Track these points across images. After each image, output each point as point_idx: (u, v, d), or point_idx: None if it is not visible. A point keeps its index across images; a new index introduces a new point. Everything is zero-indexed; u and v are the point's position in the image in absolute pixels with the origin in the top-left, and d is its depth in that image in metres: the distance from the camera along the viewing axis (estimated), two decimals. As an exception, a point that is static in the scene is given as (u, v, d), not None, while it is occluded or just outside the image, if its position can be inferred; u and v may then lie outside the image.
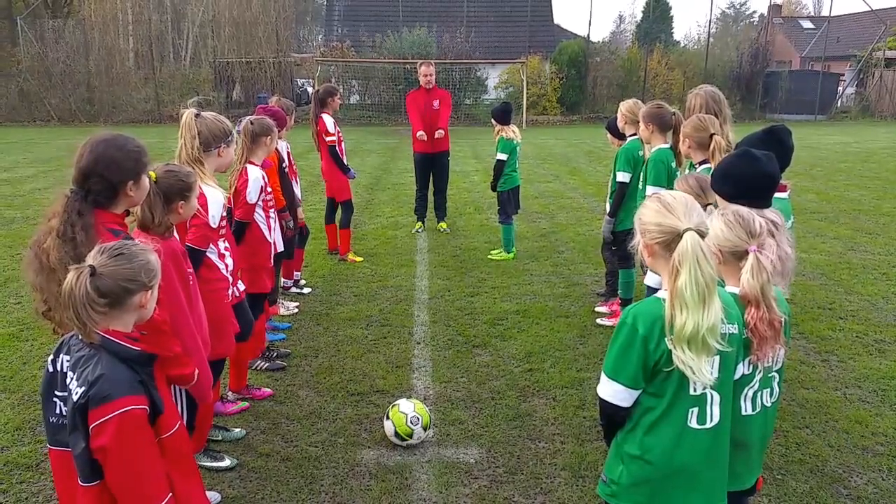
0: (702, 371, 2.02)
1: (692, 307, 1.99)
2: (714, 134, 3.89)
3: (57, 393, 2.02)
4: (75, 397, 1.90)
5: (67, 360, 1.98)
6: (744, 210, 2.38)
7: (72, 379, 1.93)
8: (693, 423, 2.13)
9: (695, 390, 2.10)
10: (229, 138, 3.29)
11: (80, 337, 1.98)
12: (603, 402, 2.19)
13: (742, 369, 2.25)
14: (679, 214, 2.07)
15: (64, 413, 1.99)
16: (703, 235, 2.06)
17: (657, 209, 2.13)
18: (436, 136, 8.25)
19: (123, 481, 1.91)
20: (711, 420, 2.14)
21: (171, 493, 1.99)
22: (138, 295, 2.01)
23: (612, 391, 2.15)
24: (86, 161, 2.43)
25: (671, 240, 2.07)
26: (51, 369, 2.05)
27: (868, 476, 3.58)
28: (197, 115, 3.22)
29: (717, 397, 2.13)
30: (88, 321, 1.89)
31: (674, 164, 4.77)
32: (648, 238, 2.15)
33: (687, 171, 4.25)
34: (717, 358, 2.09)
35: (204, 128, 3.23)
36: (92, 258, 1.96)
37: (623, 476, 2.21)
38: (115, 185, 2.47)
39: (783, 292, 2.46)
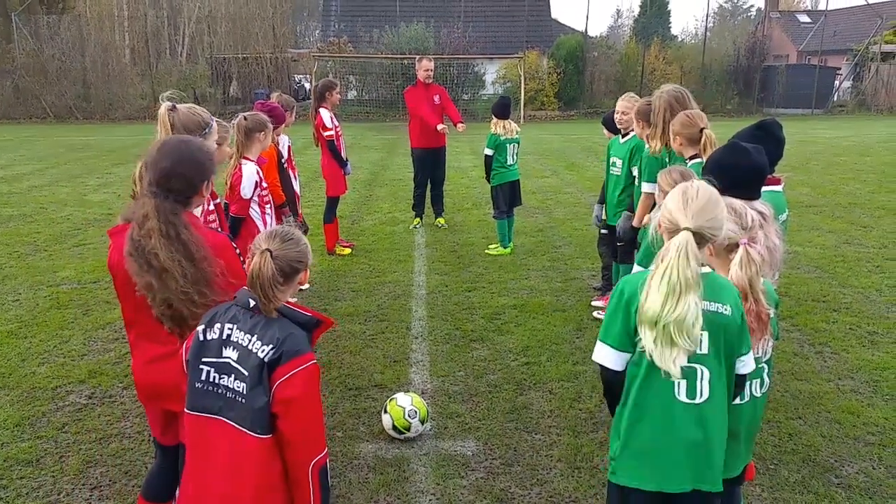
0: (666, 360, 2.09)
1: (658, 294, 2.07)
2: (704, 128, 3.93)
3: (206, 360, 2.18)
4: (262, 354, 2.08)
5: (231, 328, 2.16)
6: (737, 203, 2.43)
7: (251, 341, 2.11)
8: (682, 397, 2.18)
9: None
10: (205, 130, 3.27)
11: (244, 307, 2.16)
12: (599, 368, 2.31)
13: None
14: (690, 212, 2.13)
15: (211, 379, 2.16)
16: (703, 238, 2.12)
17: (678, 199, 2.19)
18: (439, 129, 8.25)
19: (304, 427, 2.11)
20: (701, 395, 2.18)
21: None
22: (301, 273, 2.22)
23: (601, 353, 2.27)
24: (167, 162, 2.47)
25: (673, 230, 2.16)
26: (201, 339, 2.20)
27: (859, 465, 3.63)
28: (171, 109, 3.21)
29: (706, 373, 2.17)
30: (273, 298, 2.12)
31: (667, 160, 4.80)
32: (661, 219, 2.25)
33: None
34: (705, 334, 2.15)
35: (177, 121, 3.22)
36: (266, 242, 2.15)
37: (618, 450, 2.29)
38: (195, 184, 2.54)
39: (772, 283, 2.51)
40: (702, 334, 2.13)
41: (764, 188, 2.95)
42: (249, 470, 2.11)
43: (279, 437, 2.10)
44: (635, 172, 5.44)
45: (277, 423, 2.09)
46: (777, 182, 3.31)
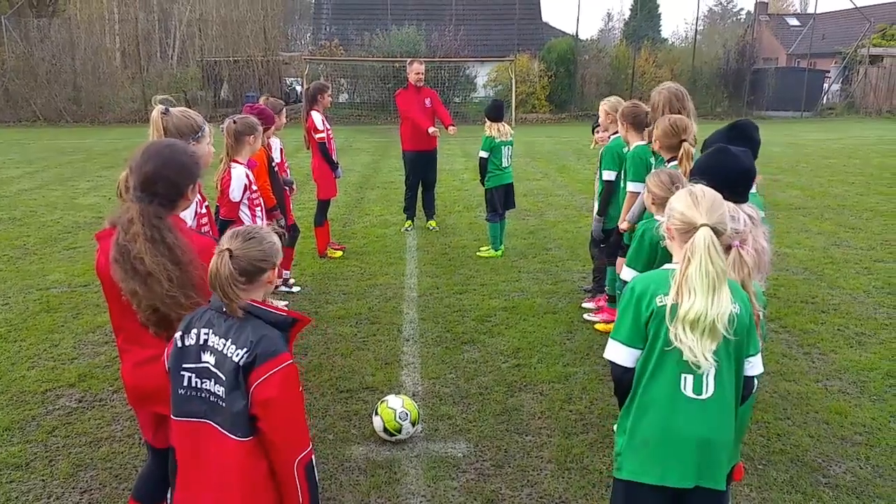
0: (702, 353, 2.13)
1: (700, 293, 2.12)
2: (684, 140, 3.98)
3: (186, 366, 2.17)
4: (237, 358, 2.08)
5: (206, 332, 2.15)
6: (730, 206, 2.47)
7: (226, 345, 2.11)
8: (688, 392, 2.21)
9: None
10: (198, 134, 3.29)
11: (218, 311, 2.16)
12: (610, 365, 2.36)
13: None
14: (702, 210, 2.22)
15: (194, 384, 2.16)
16: (718, 233, 2.20)
17: (686, 200, 2.27)
18: (430, 132, 8.27)
19: (286, 427, 2.10)
20: (707, 391, 2.21)
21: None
22: (268, 273, 2.20)
23: (612, 350, 2.34)
24: (152, 166, 2.47)
25: (688, 230, 2.22)
26: (179, 345, 2.20)
27: (846, 465, 3.66)
28: (164, 112, 3.22)
29: (712, 368, 2.21)
30: (234, 297, 2.10)
31: (652, 160, 4.87)
32: (671, 222, 2.30)
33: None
34: None
35: (171, 124, 3.22)
36: (227, 242, 2.14)
37: (622, 446, 2.32)
38: (181, 188, 2.54)
39: (760, 285, 2.54)
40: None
41: None
42: (235, 472, 2.11)
43: (262, 439, 2.10)
44: (605, 176, 5.56)
45: (258, 424, 2.09)
46: None
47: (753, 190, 3.36)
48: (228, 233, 2.20)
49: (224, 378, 2.10)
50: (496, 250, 7.67)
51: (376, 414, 3.90)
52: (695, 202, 2.24)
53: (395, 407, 3.86)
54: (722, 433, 2.24)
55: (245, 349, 2.08)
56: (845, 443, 3.87)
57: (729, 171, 2.78)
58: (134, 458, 3.74)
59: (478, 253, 7.71)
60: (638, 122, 5.04)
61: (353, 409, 4.27)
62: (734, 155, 2.84)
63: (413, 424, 3.87)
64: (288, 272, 6.52)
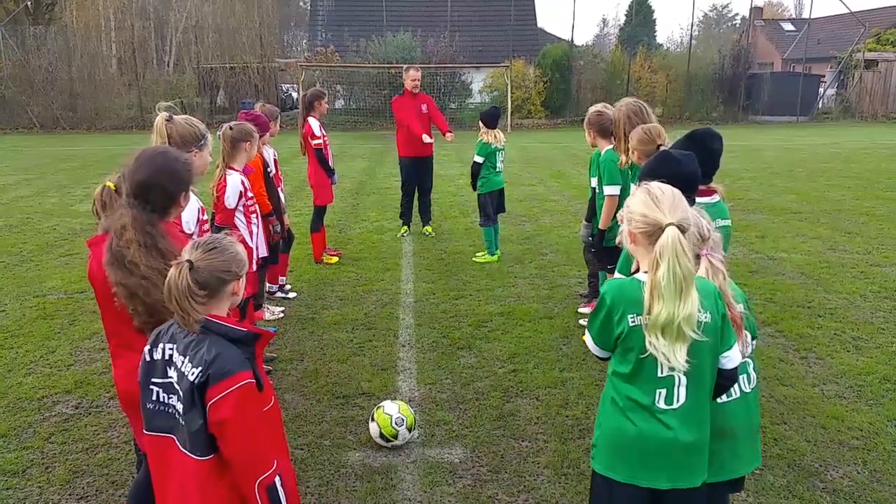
0: (675, 357, 2.11)
1: (668, 298, 2.07)
2: (661, 145, 3.98)
3: (154, 380, 2.14)
4: (192, 377, 2.02)
5: (171, 347, 2.10)
6: (692, 212, 2.45)
7: (183, 363, 2.05)
8: (661, 404, 2.20)
9: (661, 372, 2.18)
10: (202, 142, 3.29)
11: (180, 325, 2.11)
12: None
13: None
14: (665, 209, 2.14)
15: (161, 399, 2.12)
16: (684, 230, 2.13)
17: (645, 200, 2.19)
18: (424, 140, 8.29)
19: (243, 448, 2.05)
20: (678, 401, 2.20)
21: (276, 461, 2.14)
22: (231, 284, 2.14)
23: (588, 339, 2.40)
24: (145, 173, 2.49)
25: (653, 231, 2.14)
26: (147, 359, 2.16)
27: (843, 469, 3.66)
28: (168, 120, 3.23)
29: (683, 380, 2.19)
30: (191, 310, 2.04)
31: (630, 171, 5.00)
32: (633, 226, 2.22)
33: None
34: (683, 345, 2.16)
35: (174, 132, 3.23)
36: (188, 253, 2.08)
37: (598, 439, 2.35)
38: (174, 195, 2.56)
39: None
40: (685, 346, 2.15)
41: (698, 200, 2.97)
42: (194, 491, 2.08)
43: (222, 458, 2.06)
44: (593, 183, 5.62)
45: (218, 443, 2.05)
46: (710, 193, 3.32)
47: (718, 199, 3.36)
48: (191, 243, 2.14)
49: (182, 396, 2.06)
50: (492, 255, 7.67)
51: (373, 420, 3.89)
52: (655, 201, 2.16)
53: (392, 412, 3.85)
54: (694, 435, 2.21)
55: (199, 368, 2.02)
56: (842, 447, 3.87)
57: (669, 177, 2.72)
58: (130, 464, 3.73)
59: (474, 258, 7.71)
60: (604, 129, 5.22)
61: (350, 415, 4.27)
62: (675, 160, 2.78)
63: (409, 430, 3.87)
64: (284, 278, 6.52)
